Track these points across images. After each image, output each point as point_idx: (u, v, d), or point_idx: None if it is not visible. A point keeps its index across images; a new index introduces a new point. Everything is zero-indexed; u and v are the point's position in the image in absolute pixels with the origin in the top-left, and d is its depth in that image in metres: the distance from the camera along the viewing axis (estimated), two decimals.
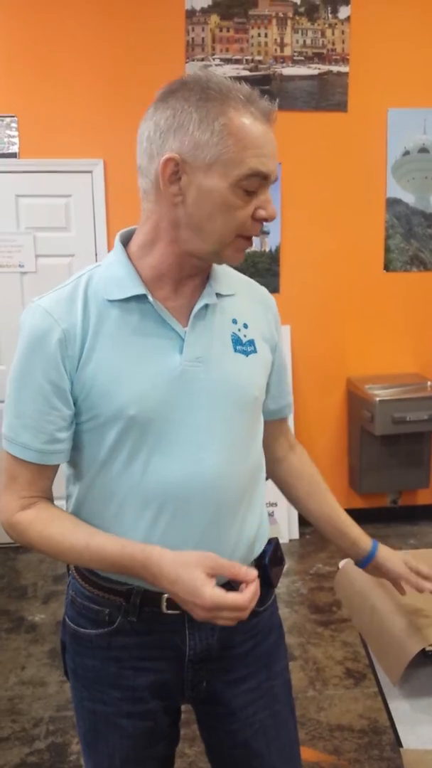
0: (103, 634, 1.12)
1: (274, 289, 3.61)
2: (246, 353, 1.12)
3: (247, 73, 3.57)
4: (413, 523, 3.93)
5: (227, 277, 1.16)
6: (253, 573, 0.97)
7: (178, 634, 1.11)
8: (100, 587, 1.11)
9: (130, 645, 1.11)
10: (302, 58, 3.59)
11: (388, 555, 1.30)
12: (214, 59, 3.56)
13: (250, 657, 1.19)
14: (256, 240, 3.99)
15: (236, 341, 1.11)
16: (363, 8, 3.60)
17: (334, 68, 3.62)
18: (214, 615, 0.95)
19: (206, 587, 0.93)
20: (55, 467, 1.11)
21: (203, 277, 1.11)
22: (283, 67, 3.59)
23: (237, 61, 3.56)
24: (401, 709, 1.33)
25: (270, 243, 3.69)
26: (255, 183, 0.98)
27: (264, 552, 1.19)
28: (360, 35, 3.62)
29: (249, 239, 1.04)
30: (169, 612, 1.07)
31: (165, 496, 1.05)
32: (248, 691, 1.18)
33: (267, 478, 1.31)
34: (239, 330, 1.13)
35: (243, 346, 1.12)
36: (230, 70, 3.55)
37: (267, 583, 1.18)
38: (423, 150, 3.72)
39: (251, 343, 1.13)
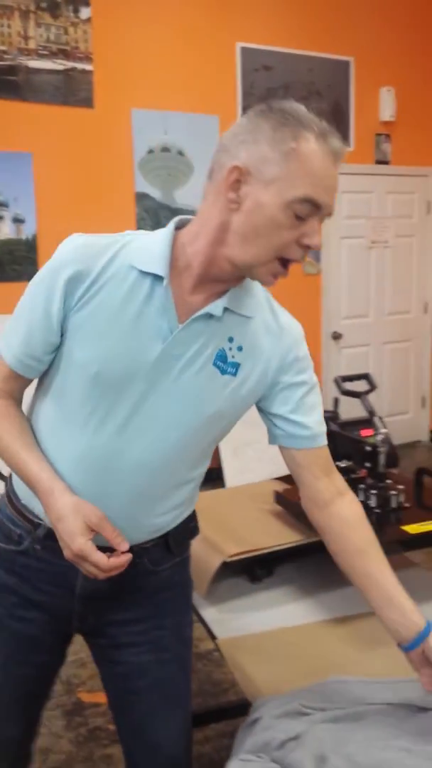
0: (10, 551, 1.22)
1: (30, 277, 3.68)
2: (222, 371, 1.12)
3: None
4: None
5: (252, 299, 1.16)
6: (125, 546, 1.08)
7: (73, 571, 1.18)
8: (18, 512, 1.21)
9: (32, 567, 1.21)
10: (47, 52, 3.70)
11: None
12: None
13: (140, 605, 1.25)
14: (12, 228, 3.99)
15: (220, 356, 1.12)
16: (103, 11, 3.81)
17: (79, 65, 3.78)
18: (77, 561, 1.07)
19: (81, 537, 1.05)
20: (26, 381, 1.18)
21: (225, 288, 1.12)
22: (28, 60, 3.66)
23: None
24: (209, 612, 1.60)
25: (26, 231, 3.75)
26: (306, 209, 1.01)
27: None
28: (102, 36, 3.83)
29: (286, 265, 1.07)
30: None
31: (89, 459, 1.12)
32: (134, 634, 1.25)
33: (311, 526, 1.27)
34: (230, 348, 1.13)
35: (224, 364, 1.12)
36: None
37: (167, 548, 1.25)
38: (165, 149, 4.07)
39: (235, 365, 1.13)
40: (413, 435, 5.60)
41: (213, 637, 1.51)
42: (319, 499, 1.23)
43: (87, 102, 3.84)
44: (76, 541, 1.05)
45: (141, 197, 4.04)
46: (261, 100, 4.34)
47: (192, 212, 4.00)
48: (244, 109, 4.31)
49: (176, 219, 1.14)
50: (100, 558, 1.05)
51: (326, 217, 1.06)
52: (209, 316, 1.10)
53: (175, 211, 4.14)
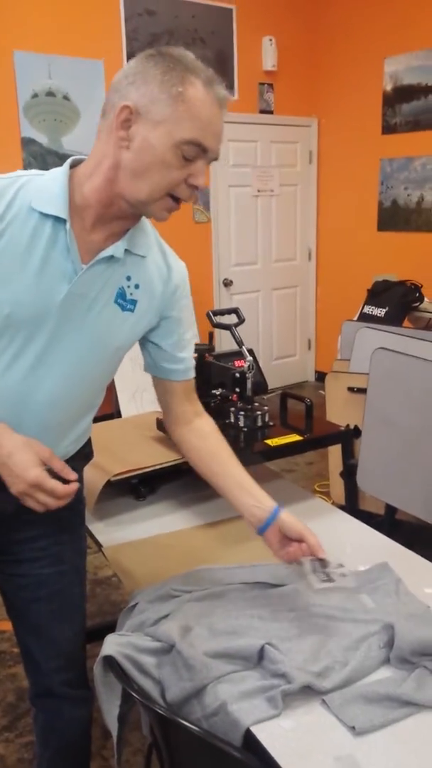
0: None
1: None
2: (123, 308, 1.21)
3: None
4: None
5: (143, 238, 1.23)
6: (74, 476, 1.12)
7: None
8: None
9: None
10: None
11: (289, 516, 1.30)
12: None
13: (41, 524, 1.32)
14: None
15: (120, 295, 1.20)
16: None
17: None
18: (31, 492, 1.09)
19: (36, 468, 1.09)
20: None
21: (124, 227, 1.18)
22: None
23: None
24: (97, 526, 1.77)
25: None
26: (193, 151, 1.07)
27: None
28: None
29: (178, 201, 1.12)
30: None
31: (3, 395, 1.17)
32: (36, 550, 1.34)
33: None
34: (128, 287, 1.21)
35: (124, 301, 1.21)
36: None
37: None
38: (50, 94, 4.02)
39: (133, 302, 1.22)
40: (301, 376, 5.95)
41: (99, 545, 1.69)
42: (181, 419, 1.40)
43: None
44: (31, 471, 1.09)
45: (27, 143, 4.01)
46: (145, 45, 4.37)
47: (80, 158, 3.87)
48: (129, 54, 4.32)
49: (70, 159, 1.18)
50: (56, 484, 1.10)
51: (213, 161, 1.13)
52: (110, 257, 1.16)
53: (62, 157, 4.13)
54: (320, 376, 5.85)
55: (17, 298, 1.12)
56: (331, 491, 3.17)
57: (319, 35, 5.26)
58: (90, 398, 1.31)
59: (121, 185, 1.11)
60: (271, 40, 4.96)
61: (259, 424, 1.93)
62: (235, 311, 2.04)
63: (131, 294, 1.22)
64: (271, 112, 5.17)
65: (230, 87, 4.80)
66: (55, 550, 1.38)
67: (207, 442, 1.39)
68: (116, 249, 1.17)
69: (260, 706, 1.09)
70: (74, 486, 1.12)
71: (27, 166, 4.01)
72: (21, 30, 3.89)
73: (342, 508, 1.97)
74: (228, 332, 1.98)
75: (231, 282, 5.28)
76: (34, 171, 1.17)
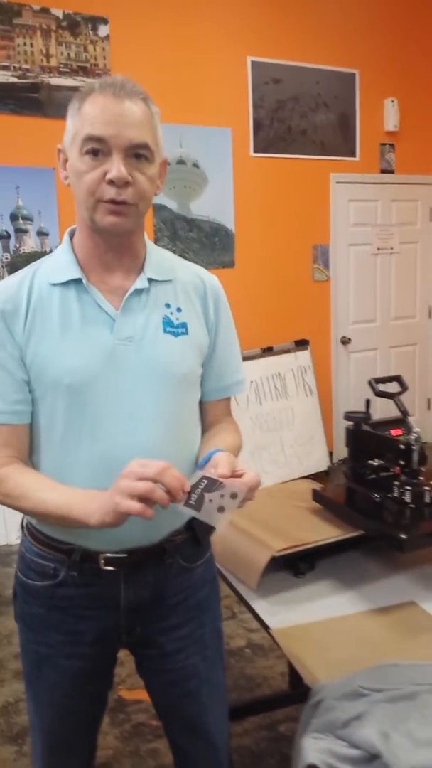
0: (48, 586, 1.24)
1: None
2: (176, 334, 1.21)
3: (15, 80, 3.67)
4: None
5: (164, 263, 1.26)
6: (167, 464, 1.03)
7: (115, 587, 1.23)
8: (46, 545, 1.23)
9: (72, 596, 1.23)
10: (68, 70, 3.81)
11: (223, 454, 1.16)
12: None
13: (182, 608, 1.30)
14: (37, 241, 4.08)
15: (167, 323, 1.20)
16: (120, 29, 3.92)
17: None
18: (146, 490, 0.99)
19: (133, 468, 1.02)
20: (26, 428, 1.19)
21: (135, 260, 1.21)
22: (50, 77, 3.77)
23: (5, 68, 3.64)
24: (261, 605, 1.69)
25: (50, 244, 3.85)
26: (95, 146, 1.08)
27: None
28: (119, 53, 3.94)
29: (112, 203, 1.10)
30: (107, 568, 1.20)
31: (101, 464, 1.15)
32: (180, 639, 1.30)
33: None
34: (171, 313, 1.22)
35: (174, 328, 1.21)
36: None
37: (196, 542, 1.31)
38: (181, 162, 4.18)
39: (183, 325, 1.22)
40: None
41: (266, 627, 1.61)
42: (213, 423, 1.36)
43: None
44: (132, 463, 1.02)
45: (159, 209, 4.15)
46: (271, 112, 4.46)
47: (206, 222, 4.19)
48: (255, 121, 4.43)
49: (69, 229, 1.25)
50: (159, 462, 1.02)
51: (131, 152, 1.10)
52: (138, 291, 1.19)
53: (190, 222, 4.25)
54: None
55: (71, 365, 1.14)
56: None
57: None
58: (185, 438, 1.26)
59: (81, 219, 1.17)
60: (393, 101, 4.97)
61: (427, 500, 1.81)
62: (397, 379, 1.95)
63: (177, 319, 1.23)
64: (392, 172, 5.14)
65: (352, 148, 4.82)
66: (199, 635, 1.34)
67: (216, 427, 1.35)
68: (140, 281, 1.20)
69: None
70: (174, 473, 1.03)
71: (157, 231, 4.15)
72: (155, 103, 4.05)
73: None
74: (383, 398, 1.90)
75: (349, 340, 5.19)
76: (43, 258, 1.25)
